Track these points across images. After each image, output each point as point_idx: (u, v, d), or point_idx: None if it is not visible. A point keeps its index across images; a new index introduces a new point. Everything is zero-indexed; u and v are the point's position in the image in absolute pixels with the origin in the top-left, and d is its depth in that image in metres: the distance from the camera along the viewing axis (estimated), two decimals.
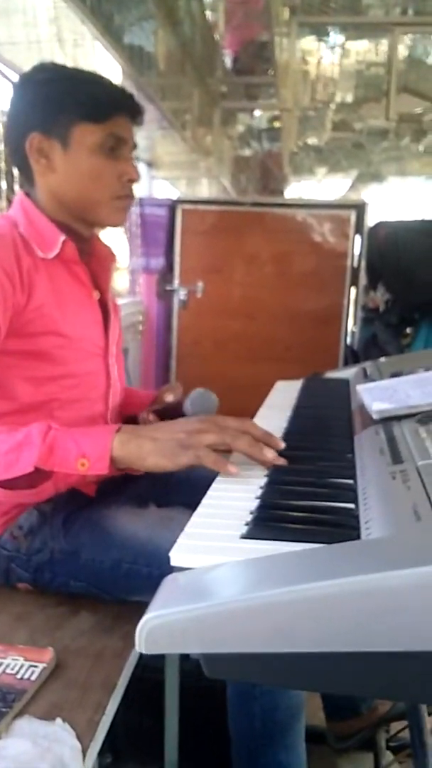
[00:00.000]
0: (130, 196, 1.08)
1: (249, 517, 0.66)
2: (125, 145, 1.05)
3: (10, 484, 0.85)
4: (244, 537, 0.61)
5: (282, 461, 0.81)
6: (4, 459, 0.83)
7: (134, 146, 1.08)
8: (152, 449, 0.83)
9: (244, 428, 0.84)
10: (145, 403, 1.23)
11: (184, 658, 1.19)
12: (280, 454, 0.83)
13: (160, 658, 1.17)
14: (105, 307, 1.14)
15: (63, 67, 1.07)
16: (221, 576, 0.53)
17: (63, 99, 1.00)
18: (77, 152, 1.02)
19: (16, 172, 1.79)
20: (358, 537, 0.59)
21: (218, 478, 0.79)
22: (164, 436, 0.84)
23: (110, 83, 1.06)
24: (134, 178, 1.07)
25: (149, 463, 0.84)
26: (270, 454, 0.81)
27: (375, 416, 0.92)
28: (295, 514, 0.66)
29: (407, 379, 1.07)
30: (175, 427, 0.86)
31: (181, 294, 2.76)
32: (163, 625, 0.48)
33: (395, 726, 1.39)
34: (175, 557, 0.58)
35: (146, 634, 0.48)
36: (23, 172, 1.08)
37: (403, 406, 0.92)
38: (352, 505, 0.67)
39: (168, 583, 0.52)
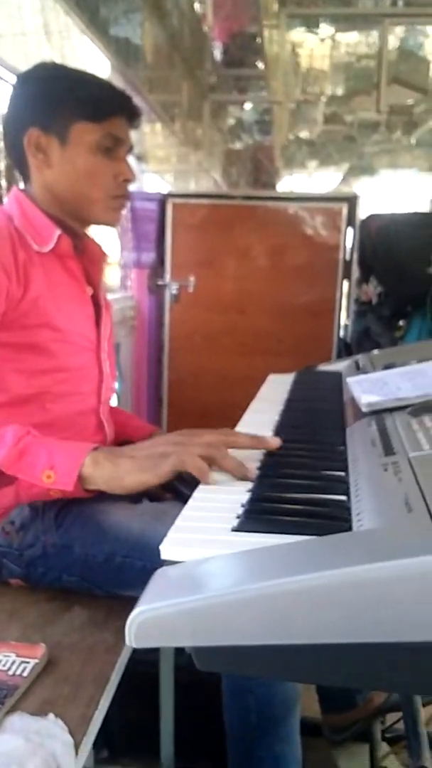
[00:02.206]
0: (124, 196, 1.10)
1: (240, 510, 0.65)
2: (122, 145, 1.06)
3: None
4: (235, 530, 0.61)
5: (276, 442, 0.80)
6: None
7: (131, 148, 1.10)
8: (130, 467, 0.81)
9: (228, 442, 0.80)
10: (145, 435, 1.23)
11: (179, 652, 1.19)
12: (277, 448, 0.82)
13: (154, 653, 1.17)
14: (97, 304, 1.15)
15: (64, 67, 1.10)
16: (212, 569, 0.53)
17: (63, 97, 1.02)
18: (75, 149, 1.03)
19: (2, 166, 1.78)
20: (349, 528, 0.59)
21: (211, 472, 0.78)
22: (142, 453, 0.82)
23: (110, 85, 1.08)
24: (129, 178, 1.08)
25: (128, 482, 0.81)
26: (252, 475, 0.75)
27: (364, 409, 0.91)
28: (287, 506, 0.66)
29: (398, 372, 1.07)
30: (154, 442, 0.84)
31: (173, 288, 2.75)
32: (154, 619, 0.48)
33: (391, 717, 1.40)
34: (166, 550, 0.57)
35: (136, 628, 0.47)
36: (19, 168, 1.10)
37: (393, 399, 0.92)
38: (343, 497, 0.67)
39: (158, 576, 0.52)
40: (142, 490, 0.84)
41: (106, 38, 1.97)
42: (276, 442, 0.81)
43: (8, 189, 1.74)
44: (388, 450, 0.73)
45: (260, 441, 0.82)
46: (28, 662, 0.81)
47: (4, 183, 1.73)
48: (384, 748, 1.37)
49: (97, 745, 0.77)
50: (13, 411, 0.92)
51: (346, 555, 0.49)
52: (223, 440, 0.80)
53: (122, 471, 0.81)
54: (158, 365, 2.87)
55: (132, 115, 1.08)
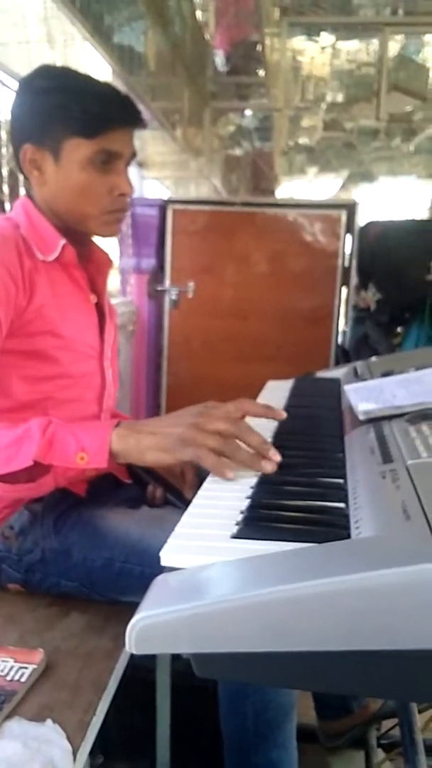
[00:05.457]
0: (121, 209, 1.07)
1: (240, 517, 0.66)
2: (119, 158, 1.03)
3: (10, 478, 0.86)
4: (235, 537, 0.61)
5: (275, 460, 0.80)
6: (4, 453, 0.84)
7: (133, 155, 1.07)
8: (151, 444, 0.83)
9: (243, 409, 0.87)
10: None
11: (176, 658, 1.19)
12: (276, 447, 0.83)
13: (151, 659, 1.17)
14: (101, 311, 1.15)
15: (61, 74, 1.05)
16: (212, 576, 0.53)
17: (55, 112, 0.99)
18: (68, 166, 1.01)
19: (5, 172, 1.79)
20: (348, 536, 0.59)
21: (209, 478, 0.79)
22: (163, 431, 0.84)
23: (109, 95, 1.03)
24: (126, 192, 1.05)
25: (149, 458, 0.84)
26: (269, 467, 0.79)
27: (361, 417, 0.92)
28: (286, 513, 0.66)
29: (394, 379, 1.08)
30: (173, 420, 0.85)
31: (173, 294, 2.76)
32: (154, 625, 0.48)
33: (386, 724, 1.40)
34: (166, 557, 0.58)
35: (136, 635, 0.48)
36: (24, 177, 1.09)
37: (389, 407, 0.92)
38: (342, 505, 0.67)
39: (158, 583, 0.53)
40: (159, 466, 0.91)
41: (110, 46, 1.98)
42: (282, 414, 0.90)
43: (11, 194, 1.75)
44: (386, 457, 0.73)
45: (272, 411, 0.89)
46: (26, 668, 0.81)
47: (6, 189, 1.74)
48: (380, 754, 1.37)
49: (93, 750, 0.77)
50: (17, 416, 0.93)
51: (345, 563, 0.49)
52: (235, 434, 0.82)
53: (143, 447, 0.84)
54: (157, 371, 2.88)
55: (132, 123, 1.04)
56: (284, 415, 0.88)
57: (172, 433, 0.83)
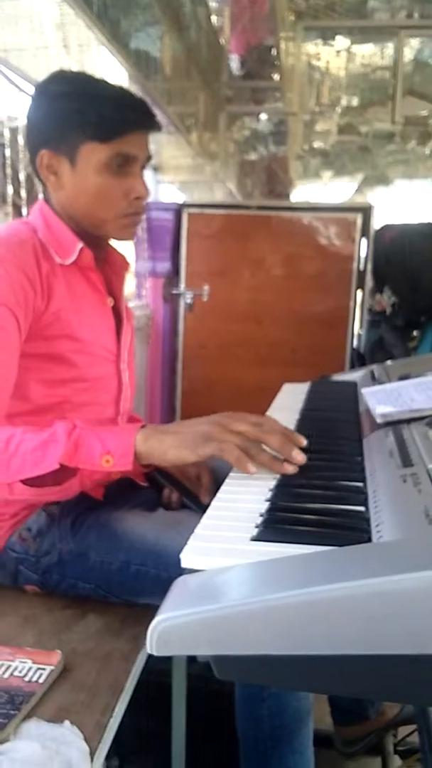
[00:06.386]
0: (137, 212, 1.08)
1: (259, 520, 0.66)
2: (135, 162, 1.04)
3: (37, 482, 0.87)
4: (255, 539, 0.61)
5: (298, 461, 0.81)
6: (31, 456, 0.85)
7: (148, 158, 1.07)
8: (173, 442, 0.85)
9: (261, 438, 0.84)
10: None
11: (191, 660, 1.19)
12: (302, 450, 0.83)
13: (167, 661, 1.17)
14: (118, 314, 1.16)
15: (77, 79, 1.05)
16: (232, 578, 0.53)
17: (71, 117, 1.00)
18: (84, 170, 1.02)
19: (22, 177, 1.80)
20: (369, 540, 0.59)
21: (228, 480, 0.79)
22: (186, 430, 0.86)
23: (123, 98, 1.03)
24: (142, 196, 1.05)
25: (171, 456, 0.85)
26: (290, 469, 0.80)
27: (378, 420, 0.91)
28: (305, 516, 0.66)
29: (412, 383, 1.07)
30: (196, 421, 0.87)
31: (188, 297, 2.76)
32: (174, 627, 0.48)
33: (403, 730, 1.38)
34: (186, 559, 0.58)
35: (157, 636, 0.48)
36: (41, 183, 1.10)
37: (407, 410, 0.92)
38: (362, 508, 0.67)
39: (178, 585, 0.52)
40: (182, 464, 0.92)
41: (126, 51, 1.99)
42: (302, 441, 0.85)
43: (28, 199, 1.77)
44: (407, 461, 0.72)
45: (292, 435, 0.85)
46: (44, 669, 0.82)
47: (23, 193, 1.75)
48: (396, 761, 1.36)
49: (108, 753, 0.77)
50: (34, 419, 0.93)
51: (366, 566, 0.49)
52: (258, 436, 0.83)
53: (166, 446, 0.85)
54: (172, 374, 2.88)
55: (148, 127, 1.05)
56: (304, 441, 0.84)
57: (196, 431, 0.84)
